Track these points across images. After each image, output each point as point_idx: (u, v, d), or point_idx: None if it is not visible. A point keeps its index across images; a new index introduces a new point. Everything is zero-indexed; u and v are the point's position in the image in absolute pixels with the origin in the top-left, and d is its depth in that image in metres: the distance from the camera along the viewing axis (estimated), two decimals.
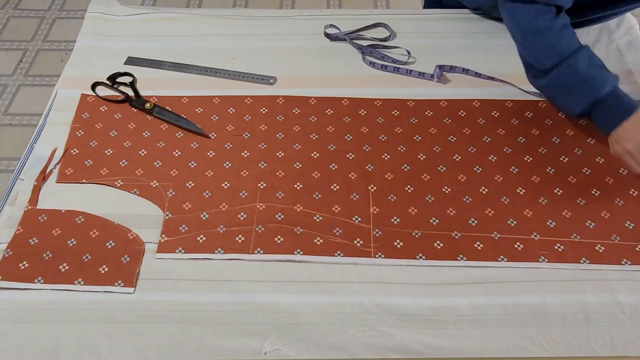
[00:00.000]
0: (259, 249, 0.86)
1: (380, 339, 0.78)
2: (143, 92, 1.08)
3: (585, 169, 0.95)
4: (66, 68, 1.14)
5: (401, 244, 0.87)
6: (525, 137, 1.00)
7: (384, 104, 1.06)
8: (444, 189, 0.93)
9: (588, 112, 0.94)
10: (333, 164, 0.97)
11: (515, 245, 0.86)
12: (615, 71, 1.09)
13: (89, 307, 0.81)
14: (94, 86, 1.08)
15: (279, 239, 0.87)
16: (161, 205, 0.92)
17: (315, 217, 0.90)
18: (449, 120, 1.03)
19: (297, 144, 1.00)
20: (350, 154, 0.98)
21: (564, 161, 0.97)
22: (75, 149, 0.99)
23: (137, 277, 0.84)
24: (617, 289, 0.81)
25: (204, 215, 0.90)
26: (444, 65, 1.10)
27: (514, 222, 0.89)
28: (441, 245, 0.87)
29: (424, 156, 0.98)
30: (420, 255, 0.85)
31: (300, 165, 0.97)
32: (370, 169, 0.96)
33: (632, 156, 0.87)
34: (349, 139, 1.01)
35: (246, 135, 1.01)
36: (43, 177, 0.95)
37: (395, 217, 0.90)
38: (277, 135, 1.01)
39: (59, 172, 0.96)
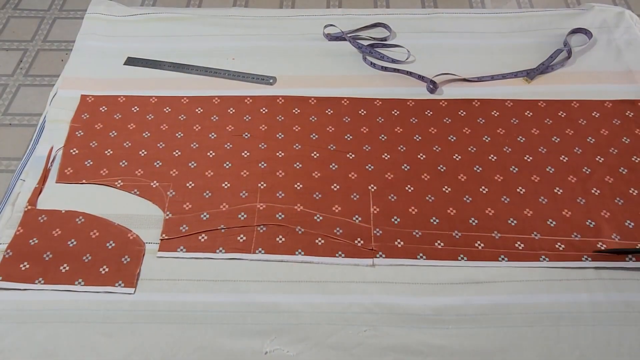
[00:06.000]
0: (260, 249, 0.86)
1: (381, 338, 0.78)
2: (143, 93, 1.08)
3: (585, 168, 0.95)
4: (66, 68, 1.14)
5: (402, 243, 0.87)
6: (525, 137, 1.00)
7: (384, 103, 1.06)
8: (444, 189, 0.93)
9: None
10: (333, 164, 0.97)
11: (516, 245, 0.86)
12: (615, 70, 1.11)
13: (90, 308, 0.81)
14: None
15: (280, 239, 0.87)
16: (161, 205, 0.92)
17: (315, 217, 0.90)
18: (449, 120, 1.03)
19: (297, 144, 1.00)
20: (351, 153, 0.98)
21: (564, 160, 0.97)
22: (75, 149, 0.99)
23: (138, 277, 0.84)
24: (618, 288, 0.82)
25: (205, 215, 0.90)
26: (439, 75, 1.09)
27: (515, 221, 0.89)
28: (442, 244, 0.87)
29: (424, 156, 0.98)
30: (420, 255, 0.85)
31: (300, 165, 0.97)
32: (370, 169, 0.96)
33: None
34: (349, 138, 1.01)
35: (246, 135, 1.01)
36: (44, 179, 0.95)
37: (395, 217, 0.90)
38: (277, 135, 1.01)
39: (59, 172, 0.96)
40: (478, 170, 0.96)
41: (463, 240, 0.87)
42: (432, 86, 1.07)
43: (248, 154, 0.99)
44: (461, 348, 0.77)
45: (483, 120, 1.03)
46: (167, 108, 1.06)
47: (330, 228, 0.89)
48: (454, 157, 0.98)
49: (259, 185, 0.94)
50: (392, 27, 1.20)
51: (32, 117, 1.70)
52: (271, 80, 1.11)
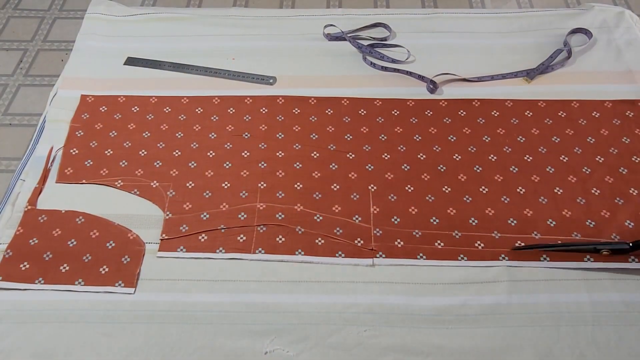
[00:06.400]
0: (260, 249, 0.86)
1: (381, 338, 0.78)
2: (143, 93, 1.08)
3: (585, 168, 0.95)
4: (66, 68, 1.14)
5: (402, 243, 0.87)
6: (525, 137, 1.00)
7: (384, 103, 1.06)
8: (444, 189, 0.93)
9: None
10: (333, 164, 0.97)
11: (516, 245, 0.86)
12: (615, 71, 1.10)
13: (90, 308, 0.81)
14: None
15: (280, 239, 0.87)
16: (161, 205, 0.92)
17: (315, 217, 0.90)
18: (449, 120, 1.03)
19: (297, 144, 1.00)
20: (351, 153, 0.98)
21: (564, 160, 0.97)
22: (75, 149, 0.99)
23: (138, 277, 0.84)
24: (618, 288, 0.82)
25: (205, 215, 0.90)
26: (439, 75, 1.09)
27: (515, 221, 0.89)
28: (442, 244, 0.87)
29: (424, 156, 0.98)
30: (420, 254, 0.85)
31: (300, 165, 0.97)
32: (370, 169, 0.96)
33: None
34: (349, 138, 1.01)
35: (246, 135, 1.01)
36: (44, 179, 0.95)
37: (395, 217, 0.90)
38: (277, 135, 1.01)
39: (59, 172, 0.96)
40: (478, 170, 0.96)
41: (463, 240, 0.87)
42: (432, 86, 1.07)
43: (248, 154, 0.99)
44: (461, 348, 0.77)
45: (483, 120, 1.03)
46: (167, 108, 1.06)
47: (330, 228, 0.89)
48: (454, 157, 0.98)
49: (259, 185, 0.94)
50: (392, 27, 1.20)
51: (32, 117, 1.70)
52: (271, 80, 1.11)
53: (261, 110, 1.05)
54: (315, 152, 0.99)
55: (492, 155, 0.98)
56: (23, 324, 0.79)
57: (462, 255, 0.85)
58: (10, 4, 2.07)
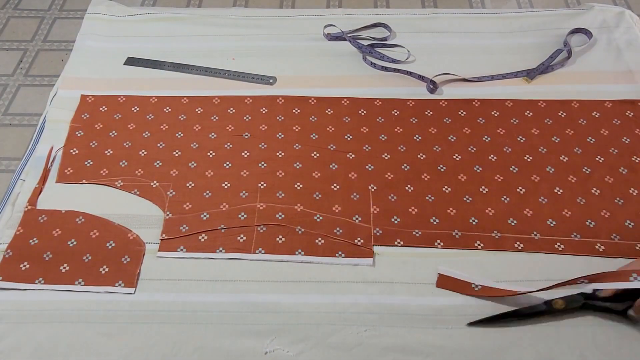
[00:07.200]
0: (260, 249, 0.86)
1: (381, 338, 0.78)
2: (143, 93, 1.08)
3: (585, 168, 0.95)
4: (66, 68, 1.14)
5: (402, 243, 0.87)
6: (525, 137, 1.00)
7: (384, 103, 1.06)
8: (444, 189, 0.93)
9: None
10: (333, 164, 0.97)
11: (516, 245, 0.86)
12: (615, 71, 1.10)
13: (90, 308, 0.81)
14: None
15: (280, 239, 0.87)
16: (161, 205, 0.92)
17: (315, 217, 0.90)
18: (449, 120, 1.03)
19: (297, 144, 1.00)
20: (351, 153, 0.98)
21: (564, 160, 0.97)
22: (75, 149, 0.99)
23: (138, 277, 0.84)
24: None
25: (205, 215, 0.90)
26: (439, 75, 1.09)
27: (514, 221, 0.89)
28: (442, 244, 0.87)
29: (424, 156, 0.98)
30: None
31: (300, 165, 0.97)
32: (370, 169, 0.96)
33: None
34: (349, 138, 1.01)
35: (246, 135, 1.02)
36: (44, 179, 0.95)
37: (395, 217, 0.90)
38: (277, 135, 1.01)
39: (59, 172, 0.96)
40: (478, 170, 0.96)
41: (463, 240, 0.87)
42: (432, 86, 1.07)
43: (248, 154, 0.99)
44: (461, 348, 0.77)
45: (483, 120, 1.03)
46: (167, 108, 1.06)
47: (330, 228, 0.89)
48: (454, 157, 0.98)
49: (259, 185, 0.94)
50: (392, 27, 1.20)
51: (32, 117, 1.71)
52: (271, 80, 1.11)
53: (261, 110, 1.05)
54: (315, 152, 0.99)
55: (492, 155, 0.98)
56: (23, 324, 0.79)
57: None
58: (10, 4, 2.07)
